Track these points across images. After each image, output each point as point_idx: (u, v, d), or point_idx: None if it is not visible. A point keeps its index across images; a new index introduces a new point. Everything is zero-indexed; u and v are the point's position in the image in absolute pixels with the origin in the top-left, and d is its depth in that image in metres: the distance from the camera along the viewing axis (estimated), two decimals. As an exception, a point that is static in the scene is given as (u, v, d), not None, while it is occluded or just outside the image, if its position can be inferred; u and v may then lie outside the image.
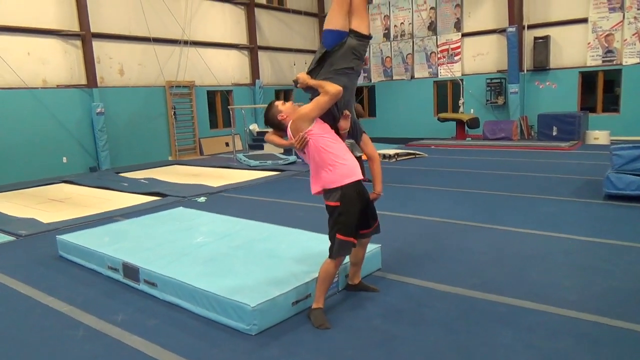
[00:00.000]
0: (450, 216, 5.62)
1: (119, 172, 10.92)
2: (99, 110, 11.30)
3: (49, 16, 10.67)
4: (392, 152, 10.86)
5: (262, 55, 15.91)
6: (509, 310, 3.18)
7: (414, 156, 10.89)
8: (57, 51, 10.87)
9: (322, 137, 3.08)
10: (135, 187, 8.69)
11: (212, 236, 4.48)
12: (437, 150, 12.25)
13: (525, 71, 14.01)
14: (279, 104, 3.26)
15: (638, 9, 12.22)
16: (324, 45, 3.26)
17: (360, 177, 3.17)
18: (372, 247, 4.01)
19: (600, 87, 13.33)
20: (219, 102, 15.01)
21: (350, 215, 3.08)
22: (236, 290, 3.19)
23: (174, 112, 13.23)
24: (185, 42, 13.31)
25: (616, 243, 4.43)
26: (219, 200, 7.33)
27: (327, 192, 3.13)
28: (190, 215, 5.46)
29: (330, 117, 3.23)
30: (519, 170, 8.65)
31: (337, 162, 3.07)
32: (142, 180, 9.52)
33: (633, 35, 12.39)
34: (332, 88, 2.98)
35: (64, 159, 10.99)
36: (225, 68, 14.83)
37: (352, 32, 3.27)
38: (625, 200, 5.85)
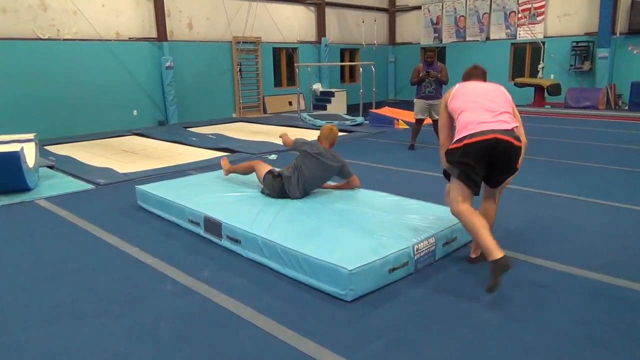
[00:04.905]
0: (547, 188, 5.12)
1: (187, 127, 10.97)
2: (168, 64, 11.29)
3: (122, -34, 10.62)
4: (467, 117, 10.21)
5: (329, 12, 15.33)
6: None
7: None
8: (130, 3, 10.84)
9: None
10: (204, 142, 8.65)
11: (293, 195, 4.26)
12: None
13: (617, 34, 12.68)
14: None
15: None
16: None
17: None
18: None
19: None
20: (283, 60, 14.70)
21: None
22: (328, 253, 2.94)
23: (240, 69, 13.07)
24: (254, -4, 12.98)
25: None
26: (289, 159, 7.07)
27: None
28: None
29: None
30: (613, 142, 7.87)
31: None
32: (210, 136, 9.49)
33: None
34: None
35: (135, 112, 11.14)
36: (292, 24, 14.42)
37: None
38: None
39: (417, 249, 3.13)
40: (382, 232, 3.28)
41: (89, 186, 5.71)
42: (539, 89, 13.19)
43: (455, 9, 15.89)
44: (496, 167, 3.02)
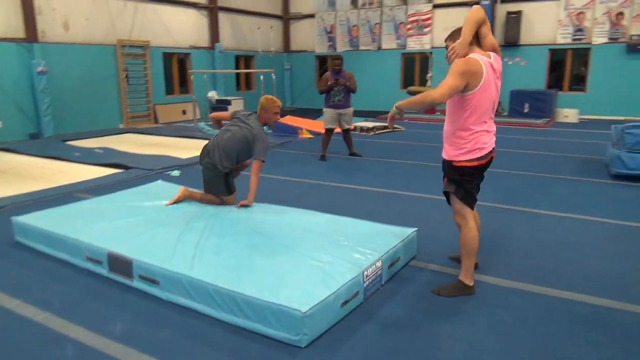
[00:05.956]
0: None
1: (66, 140, 9.68)
2: (40, 69, 9.89)
3: (-22, -46, 9.09)
4: (370, 124, 10.32)
5: (222, 17, 14.70)
6: (592, 311, 2.74)
7: (391, 130, 10.41)
8: (-11, -3, 9.32)
9: None
10: (89, 158, 7.62)
11: (213, 218, 3.74)
12: (410, 124, 11.84)
13: (495, 46, 13.78)
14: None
15: (610, -12, 12.23)
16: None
17: None
18: (407, 232, 3.47)
19: (568, 66, 13.38)
20: (175, 66, 13.77)
21: None
22: (272, 291, 2.53)
23: (126, 75, 11.93)
24: (140, -4, 11.95)
25: (654, 227, 4.14)
26: (195, 174, 6.44)
27: None
28: (176, 192, 4.62)
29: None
30: (505, 147, 8.36)
31: None
32: (97, 150, 8.41)
33: (604, 14, 12.42)
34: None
35: (-1, 124, 9.59)
36: (183, 28, 13.56)
37: None
38: (634, 180, 5.64)
39: (367, 276, 2.84)
40: (325, 259, 2.93)
41: (-55, 218, 4.61)
42: (429, 97, 13.83)
43: (348, 18, 16.18)
44: (479, 180, 3.00)
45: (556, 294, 2.95)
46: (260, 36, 15.50)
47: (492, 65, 2.75)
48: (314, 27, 16.90)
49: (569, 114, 12.03)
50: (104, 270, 3.20)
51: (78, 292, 3.03)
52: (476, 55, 2.71)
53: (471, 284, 2.95)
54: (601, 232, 4.06)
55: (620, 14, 12.23)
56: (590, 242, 3.84)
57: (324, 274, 2.73)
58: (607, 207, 4.76)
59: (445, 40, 2.88)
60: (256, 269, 2.81)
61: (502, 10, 13.57)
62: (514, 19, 13.30)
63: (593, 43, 12.67)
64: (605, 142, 8.32)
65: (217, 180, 4.15)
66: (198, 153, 8.12)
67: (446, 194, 3.01)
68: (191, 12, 13.79)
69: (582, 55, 13.14)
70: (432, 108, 13.80)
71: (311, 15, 16.92)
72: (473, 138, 2.79)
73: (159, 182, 5.09)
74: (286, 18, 17.44)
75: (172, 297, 2.84)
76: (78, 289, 3.08)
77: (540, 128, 10.87)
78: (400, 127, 10.74)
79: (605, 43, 12.52)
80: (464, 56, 2.71)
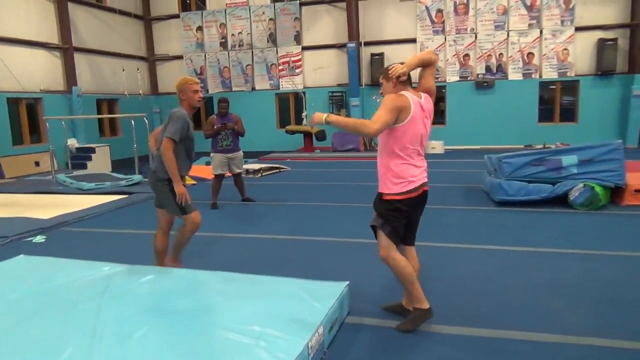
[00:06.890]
0: (363, 235, 5.04)
1: None
2: None
3: None
4: (256, 167, 10.02)
5: (79, 58, 13.43)
6: (536, 348, 2.71)
7: (278, 170, 10.22)
8: None
9: None
10: None
11: (108, 296, 3.08)
12: (294, 163, 11.79)
13: (364, 85, 14.59)
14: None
15: (457, 33, 13.76)
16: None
17: None
18: (340, 287, 3.20)
19: (428, 102, 14.61)
20: (24, 113, 12.12)
21: None
22: (206, 388, 2.05)
23: (-39, 125, 10.14)
24: (-24, 35, 10.36)
25: (550, 251, 4.43)
26: (64, 238, 5.52)
27: None
28: (46, 267, 3.81)
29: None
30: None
31: None
32: None
33: (453, 56, 13.89)
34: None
35: None
36: (32, 71, 12.07)
37: None
38: (514, 205, 6.11)
39: (311, 347, 2.49)
40: (259, 333, 2.52)
41: None
42: (307, 135, 14.07)
43: (218, 60, 15.91)
44: (415, 217, 3.03)
45: (494, 335, 2.89)
46: (125, 78, 14.44)
47: (421, 105, 2.87)
48: (183, 69, 16.30)
49: (435, 146, 13.04)
50: (-42, 390, 2.39)
51: None
52: (407, 93, 2.83)
53: (427, 306, 2.96)
54: (506, 261, 4.22)
55: (467, 55, 13.81)
56: (500, 272, 3.94)
57: (263, 353, 2.32)
58: (500, 234, 5.03)
59: (380, 78, 2.97)
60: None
61: (367, 52, 14.46)
62: (377, 59, 14.22)
63: (447, 81, 14.06)
64: (473, 170, 9.08)
65: (166, 195, 3.64)
66: (62, 211, 7.11)
67: (373, 228, 3.00)
68: (41, 53, 12.37)
69: (439, 92, 14.49)
70: (311, 145, 14.07)
71: (179, 57, 16.32)
72: (400, 170, 2.85)
73: (22, 257, 4.15)
74: (152, 60, 16.58)
75: (67, 414, 2.18)
76: None
77: (414, 160, 11.55)
78: (285, 167, 10.61)
79: (458, 81, 13.98)
80: (396, 92, 2.81)
